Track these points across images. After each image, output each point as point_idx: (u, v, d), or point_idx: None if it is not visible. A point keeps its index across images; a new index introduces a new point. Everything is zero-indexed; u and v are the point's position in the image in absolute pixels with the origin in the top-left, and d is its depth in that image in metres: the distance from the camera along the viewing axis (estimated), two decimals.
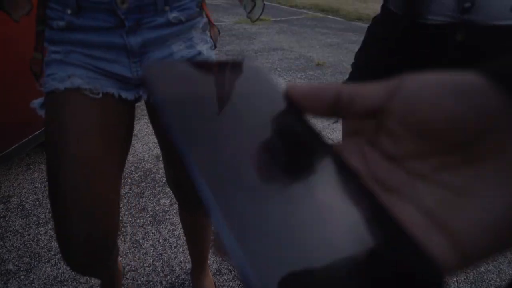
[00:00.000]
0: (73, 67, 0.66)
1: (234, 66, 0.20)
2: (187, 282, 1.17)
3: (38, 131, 1.50)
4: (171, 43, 0.69)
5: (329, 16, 6.10)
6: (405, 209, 0.16)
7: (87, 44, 0.66)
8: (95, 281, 1.15)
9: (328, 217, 0.15)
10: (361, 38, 0.75)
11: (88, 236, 0.64)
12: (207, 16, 0.74)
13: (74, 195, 0.63)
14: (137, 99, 0.74)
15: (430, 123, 0.15)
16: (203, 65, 0.20)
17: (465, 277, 1.23)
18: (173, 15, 0.67)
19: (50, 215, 1.43)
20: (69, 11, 0.63)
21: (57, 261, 1.24)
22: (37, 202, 1.51)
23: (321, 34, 4.68)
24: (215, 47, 0.77)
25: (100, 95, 0.66)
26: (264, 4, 0.77)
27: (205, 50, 0.73)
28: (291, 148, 0.17)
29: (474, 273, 1.25)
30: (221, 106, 0.18)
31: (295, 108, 0.19)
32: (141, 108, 2.36)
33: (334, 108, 0.17)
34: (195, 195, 0.78)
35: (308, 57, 3.69)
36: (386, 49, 0.66)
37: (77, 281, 1.16)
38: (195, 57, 0.71)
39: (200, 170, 0.14)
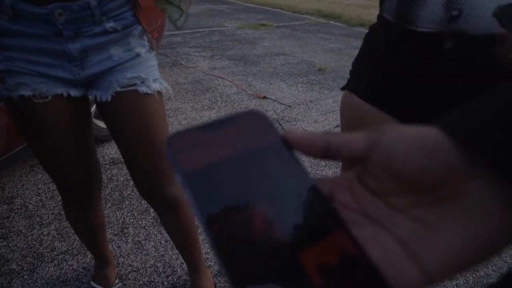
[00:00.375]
0: (18, 75, 0.69)
1: (241, 120, 0.23)
2: (188, 283, 1.18)
3: None
4: (109, 47, 0.74)
5: (332, 22, 6.14)
6: (384, 237, 0.19)
7: (28, 50, 0.68)
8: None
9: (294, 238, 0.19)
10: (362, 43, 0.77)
11: (73, 179, 0.85)
12: (141, 24, 0.78)
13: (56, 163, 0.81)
14: (86, 96, 0.81)
15: (403, 171, 0.19)
16: (214, 127, 0.22)
17: (465, 281, 1.24)
18: (109, 25, 0.71)
19: (53, 216, 1.44)
20: (5, 17, 0.65)
21: (60, 261, 1.25)
22: (40, 203, 1.53)
23: (323, 40, 4.72)
24: (154, 49, 0.82)
25: (49, 98, 0.72)
26: (188, 13, 0.82)
27: (144, 52, 0.78)
28: (281, 185, 0.21)
29: (473, 277, 1.25)
30: (231, 166, 0.21)
31: (291, 150, 0.22)
32: None
33: (324, 154, 0.21)
34: (167, 195, 0.88)
35: (310, 62, 3.72)
36: (382, 56, 0.68)
37: (80, 281, 1.17)
38: (134, 59, 0.77)
39: (216, 243, 0.18)
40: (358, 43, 4.78)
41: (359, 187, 0.21)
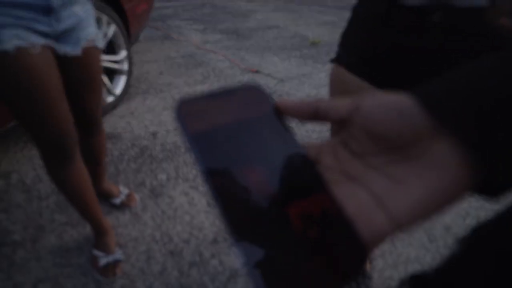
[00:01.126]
0: (10, 28, 0.75)
1: (241, 92, 0.26)
2: (185, 250, 1.24)
3: None
4: (74, 3, 0.87)
5: None
6: (360, 193, 0.23)
7: (15, 4, 0.74)
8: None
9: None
10: None
11: (55, 132, 0.92)
12: None
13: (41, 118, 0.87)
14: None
15: (379, 132, 0.22)
16: (217, 96, 0.25)
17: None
18: None
19: (51, 190, 1.48)
20: None
21: (60, 232, 1.29)
22: (37, 178, 1.56)
23: (317, 13, 4.63)
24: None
25: (40, 50, 0.80)
26: None
27: (91, 10, 0.94)
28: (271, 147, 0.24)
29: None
30: (230, 131, 0.24)
31: (283, 119, 0.26)
32: (135, 86, 2.37)
33: (314, 116, 0.25)
34: (101, 125, 1.14)
35: (304, 36, 3.67)
36: (372, 30, 0.68)
37: (81, 249, 1.23)
38: (89, 16, 0.92)
39: (219, 200, 0.21)
40: None
41: (342, 150, 0.25)
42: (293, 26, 4.00)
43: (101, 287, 1.11)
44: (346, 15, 0.77)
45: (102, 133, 1.19)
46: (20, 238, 1.26)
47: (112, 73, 2.07)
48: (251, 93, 0.26)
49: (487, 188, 0.21)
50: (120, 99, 2.10)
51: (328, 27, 4.02)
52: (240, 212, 0.21)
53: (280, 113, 0.25)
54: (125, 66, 2.11)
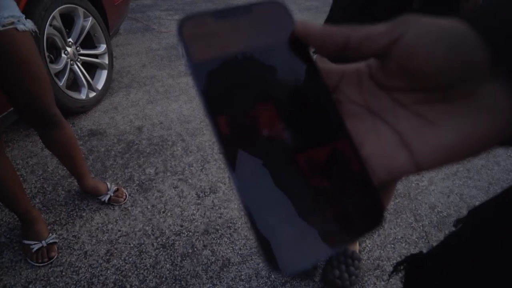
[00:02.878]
0: None
1: (258, 9, 0.21)
2: (177, 243, 1.25)
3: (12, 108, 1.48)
4: None
5: None
6: (383, 129, 0.20)
7: None
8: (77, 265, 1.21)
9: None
10: None
11: (35, 102, 1.03)
12: None
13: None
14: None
15: (421, 70, 0.18)
16: (228, 14, 0.21)
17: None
18: None
19: (36, 189, 1.45)
20: None
21: (49, 232, 1.28)
22: (21, 178, 1.52)
23: None
24: None
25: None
26: None
27: None
28: (292, 84, 0.21)
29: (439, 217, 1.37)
30: (241, 60, 0.20)
31: (304, 46, 0.21)
32: (117, 80, 2.32)
33: (342, 51, 0.20)
34: (52, 114, 1.09)
35: None
36: (351, 17, 0.68)
37: (71, 248, 1.22)
38: None
39: (221, 138, 0.18)
40: None
41: (368, 80, 0.21)
42: None
43: (93, 284, 1.11)
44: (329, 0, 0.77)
45: (62, 125, 1.15)
46: (6, 240, 1.24)
47: (93, 68, 2.02)
48: (271, 11, 0.21)
49: None
50: (102, 94, 2.05)
51: (312, 12, 4.00)
52: (246, 154, 0.18)
53: (301, 40, 0.21)
54: (105, 60, 2.06)
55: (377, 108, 0.21)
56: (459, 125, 0.18)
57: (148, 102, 2.11)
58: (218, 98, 0.19)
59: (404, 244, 1.25)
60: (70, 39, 1.80)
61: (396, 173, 0.20)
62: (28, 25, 0.97)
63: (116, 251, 1.21)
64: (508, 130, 0.18)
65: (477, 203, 1.42)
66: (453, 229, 0.37)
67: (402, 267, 0.42)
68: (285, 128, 0.19)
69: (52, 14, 1.61)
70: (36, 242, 1.17)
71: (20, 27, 0.95)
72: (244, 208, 0.17)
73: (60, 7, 1.65)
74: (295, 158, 0.19)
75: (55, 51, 1.75)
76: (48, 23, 1.59)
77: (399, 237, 1.28)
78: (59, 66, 1.72)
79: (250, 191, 0.18)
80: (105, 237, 1.26)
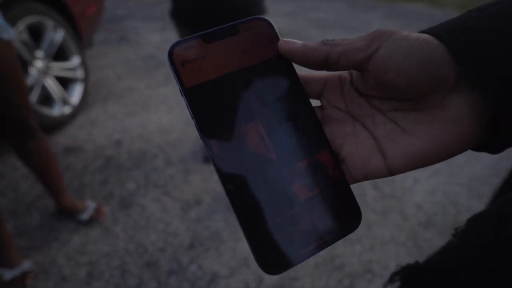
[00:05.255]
0: None
1: (243, 29, 0.22)
2: (161, 259, 1.20)
3: None
4: None
5: None
6: (362, 133, 0.22)
7: None
8: None
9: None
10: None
11: (15, 112, 1.02)
12: None
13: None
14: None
15: (394, 82, 0.20)
16: (215, 36, 0.22)
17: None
18: None
19: (8, 214, 1.36)
20: None
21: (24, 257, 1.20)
22: None
23: (276, 3, 4.62)
24: None
25: None
26: None
27: None
28: (274, 95, 0.22)
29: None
30: (230, 81, 0.21)
31: (287, 61, 0.23)
32: (93, 93, 2.25)
33: (323, 66, 0.22)
34: (31, 124, 1.07)
35: None
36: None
37: (47, 273, 1.14)
38: None
39: (216, 158, 0.20)
40: (313, 4, 4.74)
41: (349, 86, 0.23)
42: None
43: None
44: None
45: (39, 135, 1.12)
46: None
47: (66, 82, 1.94)
48: (256, 29, 0.22)
49: (489, 145, 0.20)
50: (78, 108, 1.98)
51: (288, 17, 4.02)
52: (240, 178, 0.20)
53: (285, 55, 0.22)
54: (79, 73, 1.99)
55: (357, 113, 0.23)
56: (427, 134, 0.20)
57: (127, 114, 2.05)
58: (210, 120, 0.20)
59: (393, 245, 1.24)
60: (40, 52, 1.73)
61: (370, 175, 0.22)
62: (12, 33, 0.97)
63: (97, 272, 1.15)
64: (471, 139, 0.20)
65: (462, 200, 1.43)
66: (451, 233, 0.36)
67: (398, 278, 0.40)
68: (271, 143, 0.21)
69: (19, 29, 1.54)
70: (8, 270, 1.09)
71: (6, 36, 0.93)
72: (236, 215, 0.20)
73: (28, 21, 1.58)
74: (280, 169, 0.21)
75: (22, 66, 1.68)
76: (15, 38, 1.51)
77: (387, 238, 1.27)
78: (28, 81, 1.64)
79: (242, 202, 0.20)
80: (85, 258, 1.20)
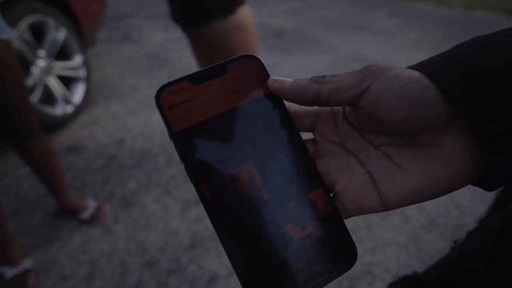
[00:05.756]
0: None
1: (232, 67, 0.22)
2: (161, 258, 1.20)
3: None
4: None
5: None
6: (356, 168, 0.22)
7: None
8: None
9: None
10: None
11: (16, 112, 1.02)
12: None
13: None
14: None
15: (386, 120, 0.20)
16: (203, 77, 0.21)
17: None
18: None
19: (10, 212, 1.38)
20: None
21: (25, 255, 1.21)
22: None
23: (281, 1, 4.60)
24: None
25: None
26: None
27: None
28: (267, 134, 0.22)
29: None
30: (220, 123, 0.21)
31: (277, 98, 0.23)
32: (96, 92, 2.26)
33: (314, 103, 0.22)
34: (32, 123, 1.07)
35: (268, 26, 3.63)
36: None
37: (48, 272, 1.15)
38: None
39: (207, 203, 0.20)
40: (317, 1, 4.71)
41: (342, 119, 0.23)
42: (257, 16, 3.94)
43: None
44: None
45: (39, 135, 1.12)
46: None
47: (68, 81, 1.95)
48: (245, 67, 0.22)
49: (484, 182, 0.20)
50: (80, 107, 1.98)
51: (294, 15, 4.01)
52: (231, 219, 0.20)
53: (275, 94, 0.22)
54: (81, 72, 2.00)
55: (351, 146, 0.23)
56: (422, 172, 0.20)
57: (129, 113, 2.05)
58: (201, 164, 0.20)
59: (394, 247, 1.23)
60: (42, 51, 1.74)
61: (365, 210, 0.21)
62: (11, 33, 0.96)
63: (97, 271, 1.16)
64: (466, 177, 0.20)
65: (466, 202, 1.41)
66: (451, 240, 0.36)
67: None
68: (263, 185, 0.21)
69: (22, 28, 1.55)
70: (10, 268, 1.10)
71: (4, 35, 0.93)
72: (230, 259, 0.19)
73: (29, 20, 1.59)
74: (272, 211, 0.21)
75: (25, 65, 1.69)
76: (17, 37, 1.52)
77: (389, 240, 1.26)
78: (31, 81, 1.65)
79: (236, 245, 0.20)
80: (86, 257, 1.20)
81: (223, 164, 0.20)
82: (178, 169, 1.60)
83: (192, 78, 0.21)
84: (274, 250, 0.20)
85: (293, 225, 0.21)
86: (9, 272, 1.09)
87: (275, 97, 0.22)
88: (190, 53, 2.87)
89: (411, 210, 1.38)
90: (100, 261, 1.19)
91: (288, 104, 0.23)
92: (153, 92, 2.28)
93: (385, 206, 0.21)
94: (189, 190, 1.48)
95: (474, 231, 0.34)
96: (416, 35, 3.35)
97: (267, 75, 0.23)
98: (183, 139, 0.20)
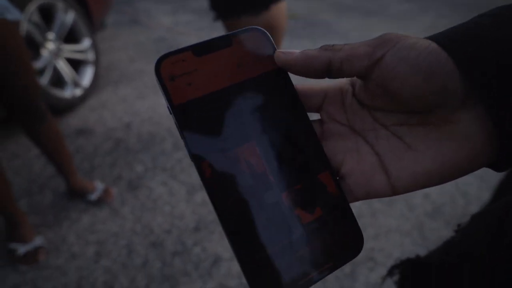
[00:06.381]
0: None
1: (237, 40, 0.21)
2: (166, 240, 1.22)
3: None
4: None
5: None
6: (364, 149, 0.21)
7: None
8: None
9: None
10: None
11: (24, 94, 1.03)
12: None
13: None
14: None
15: (399, 93, 0.18)
16: (207, 48, 0.20)
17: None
18: None
19: (22, 192, 1.41)
20: None
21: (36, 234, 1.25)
22: None
23: None
24: None
25: None
26: None
27: None
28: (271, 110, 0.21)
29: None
30: (222, 98, 0.20)
31: (284, 73, 0.21)
32: (105, 76, 2.27)
33: (324, 73, 0.20)
34: (41, 106, 1.09)
35: None
36: None
37: (58, 250, 1.19)
38: None
39: (208, 182, 0.19)
40: None
41: (351, 98, 0.22)
42: None
43: (81, 286, 1.09)
44: None
45: (48, 118, 1.14)
46: None
47: (77, 64, 1.97)
48: (250, 39, 0.21)
49: (497, 162, 0.19)
50: (89, 91, 2.00)
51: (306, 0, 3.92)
52: (233, 201, 0.19)
53: (281, 67, 0.21)
54: (90, 56, 2.00)
55: (359, 127, 0.21)
56: (434, 152, 0.19)
57: (137, 97, 2.07)
58: (202, 140, 0.19)
59: (398, 234, 1.23)
60: (51, 34, 1.75)
61: (373, 194, 0.20)
62: (17, 14, 0.96)
63: (104, 251, 1.19)
64: (482, 157, 0.18)
65: (472, 191, 1.39)
66: (454, 230, 0.36)
67: (397, 271, 0.40)
68: (268, 165, 0.20)
69: (30, 10, 1.55)
70: (22, 245, 1.14)
71: (10, 16, 0.93)
72: (230, 243, 0.18)
73: (38, 2, 1.59)
74: (278, 193, 0.20)
75: (34, 48, 1.70)
76: (26, 19, 1.53)
77: (393, 227, 1.26)
78: (40, 63, 1.66)
79: (237, 228, 0.18)
80: (94, 237, 1.24)
81: (225, 141, 0.19)
82: (184, 154, 1.62)
83: (194, 49, 0.20)
84: (277, 234, 0.19)
85: (297, 209, 0.20)
86: (21, 249, 1.13)
87: (282, 73, 0.21)
88: (198, 38, 2.85)
89: (416, 198, 1.37)
90: (107, 241, 1.23)
91: (294, 84, 0.22)
92: None
93: (394, 190, 0.20)
94: (195, 175, 1.50)
95: (477, 214, 0.33)
96: (431, 20, 3.25)
97: (274, 49, 0.21)
98: (183, 113, 0.19)
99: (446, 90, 0.17)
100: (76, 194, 1.37)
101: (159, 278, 1.11)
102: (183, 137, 0.19)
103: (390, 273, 0.41)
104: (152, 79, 2.26)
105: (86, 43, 1.96)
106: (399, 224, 1.27)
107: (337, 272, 1.10)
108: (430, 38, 0.19)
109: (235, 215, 0.19)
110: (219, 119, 0.19)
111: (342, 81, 0.22)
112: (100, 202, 1.35)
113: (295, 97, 0.21)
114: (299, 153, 0.20)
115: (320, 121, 0.23)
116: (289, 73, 0.22)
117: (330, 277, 1.08)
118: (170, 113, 0.19)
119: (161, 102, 2.00)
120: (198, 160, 0.19)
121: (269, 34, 0.21)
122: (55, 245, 1.21)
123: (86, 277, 1.11)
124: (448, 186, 1.43)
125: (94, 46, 2.03)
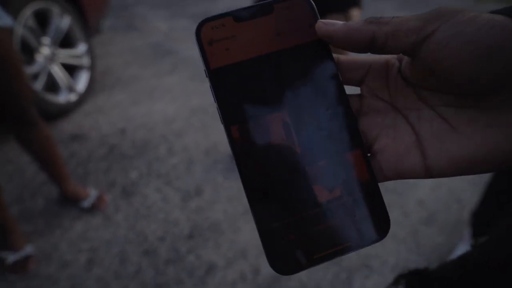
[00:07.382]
0: None
1: (279, 8, 0.20)
2: (160, 248, 1.21)
3: None
4: None
5: None
6: (403, 127, 0.20)
7: None
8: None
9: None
10: None
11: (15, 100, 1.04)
12: None
13: None
14: None
15: (451, 75, 0.16)
16: (248, 14, 0.20)
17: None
18: None
19: (13, 198, 1.39)
20: None
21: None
22: None
23: None
24: None
25: None
26: None
27: None
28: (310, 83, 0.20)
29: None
30: (259, 65, 0.20)
31: (326, 45, 0.21)
32: (100, 81, 2.26)
33: (368, 48, 0.19)
34: (31, 112, 1.08)
35: None
36: None
37: (48, 258, 1.17)
38: None
39: (236, 146, 0.19)
40: None
41: (396, 74, 0.20)
42: None
43: None
44: None
45: (39, 124, 1.13)
46: None
47: (72, 69, 1.95)
48: (292, 7, 0.20)
49: None
50: (84, 96, 1.99)
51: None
52: (260, 171, 0.19)
53: (324, 40, 0.20)
54: (85, 61, 1.99)
55: (401, 105, 0.20)
56: (483, 138, 0.17)
57: (132, 103, 2.06)
58: (233, 105, 0.19)
59: (393, 241, 1.23)
60: (46, 39, 1.74)
61: (404, 174, 0.19)
62: (9, 20, 0.96)
63: (97, 259, 1.17)
64: None
65: (466, 197, 1.39)
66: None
67: (403, 281, 0.39)
68: (296, 136, 0.20)
69: (26, 15, 1.55)
70: (12, 253, 1.12)
71: (1, 23, 0.93)
72: (251, 207, 0.18)
73: (34, 7, 1.58)
74: (305, 166, 0.19)
75: (29, 53, 1.69)
76: (22, 24, 1.52)
77: (388, 234, 1.25)
78: (35, 68, 1.65)
79: (259, 194, 0.19)
80: (86, 245, 1.22)
81: (257, 108, 0.19)
82: (179, 159, 1.61)
83: (235, 15, 0.20)
84: (299, 207, 0.19)
85: (323, 184, 0.19)
86: (11, 258, 1.11)
87: (322, 45, 0.20)
88: (194, 44, 2.85)
89: (411, 204, 1.38)
90: (100, 249, 1.21)
91: (336, 56, 0.21)
92: (156, 82, 2.28)
93: (429, 172, 0.18)
94: (190, 181, 1.49)
95: (495, 230, 0.33)
96: None
97: (317, 19, 0.20)
98: (219, 77, 0.19)
99: (509, 71, 0.15)
100: (68, 201, 1.35)
101: (152, 287, 1.09)
102: (216, 100, 0.19)
103: (396, 282, 0.40)
104: (146, 84, 2.25)
105: (81, 48, 1.96)
106: (394, 230, 1.27)
107: (333, 278, 1.09)
108: (495, 11, 0.17)
109: (257, 179, 0.19)
110: (253, 86, 0.19)
111: (388, 56, 0.21)
112: (94, 209, 1.34)
113: (334, 70, 0.20)
114: (331, 127, 0.20)
115: (360, 95, 0.22)
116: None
117: (326, 284, 1.08)
118: (206, 76, 0.19)
119: (155, 108, 2.00)
120: (228, 124, 0.19)
121: (313, 3, 0.21)
122: (46, 253, 1.19)
123: (77, 286, 1.09)
124: (443, 192, 1.43)
125: (90, 51, 2.02)
